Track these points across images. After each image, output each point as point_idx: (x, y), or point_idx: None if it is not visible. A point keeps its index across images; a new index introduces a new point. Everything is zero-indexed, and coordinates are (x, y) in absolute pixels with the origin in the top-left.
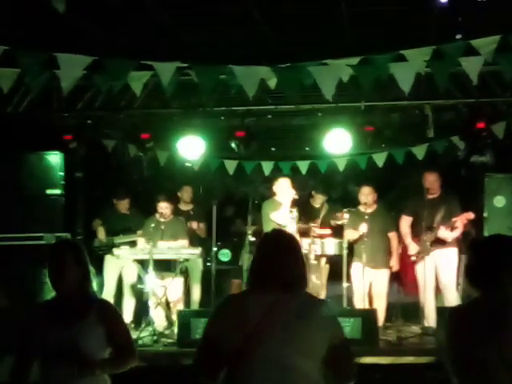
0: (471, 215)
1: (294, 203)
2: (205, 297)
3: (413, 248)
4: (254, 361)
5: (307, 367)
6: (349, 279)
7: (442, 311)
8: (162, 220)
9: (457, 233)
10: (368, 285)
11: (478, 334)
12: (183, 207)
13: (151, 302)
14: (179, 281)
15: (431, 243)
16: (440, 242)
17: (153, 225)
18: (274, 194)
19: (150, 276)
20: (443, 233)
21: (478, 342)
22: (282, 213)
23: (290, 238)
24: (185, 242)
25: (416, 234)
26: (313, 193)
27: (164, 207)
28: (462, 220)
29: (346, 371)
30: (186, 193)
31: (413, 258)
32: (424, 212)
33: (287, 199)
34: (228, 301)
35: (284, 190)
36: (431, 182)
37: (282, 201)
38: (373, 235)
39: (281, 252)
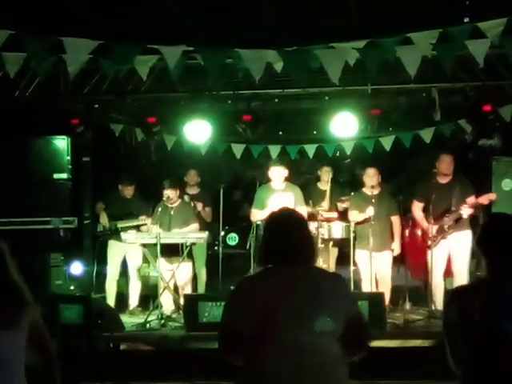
0: (493, 196)
1: (300, 186)
2: (212, 281)
3: (433, 230)
4: (270, 342)
5: (326, 344)
6: (355, 263)
7: None
8: (170, 206)
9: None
10: (374, 269)
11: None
12: (189, 191)
13: (159, 286)
14: (187, 265)
15: (448, 226)
16: (455, 225)
17: (160, 209)
18: (269, 179)
19: (157, 260)
20: (467, 211)
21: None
22: (274, 201)
23: (296, 214)
24: (196, 225)
25: (428, 217)
26: (319, 172)
27: (169, 193)
28: (484, 200)
29: (360, 343)
30: (190, 176)
31: (430, 242)
32: (436, 196)
33: (280, 187)
34: (241, 285)
35: (275, 178)
36: (448, 163)
37: (275, 187)
38: (379, 218)
39: (288, 229)
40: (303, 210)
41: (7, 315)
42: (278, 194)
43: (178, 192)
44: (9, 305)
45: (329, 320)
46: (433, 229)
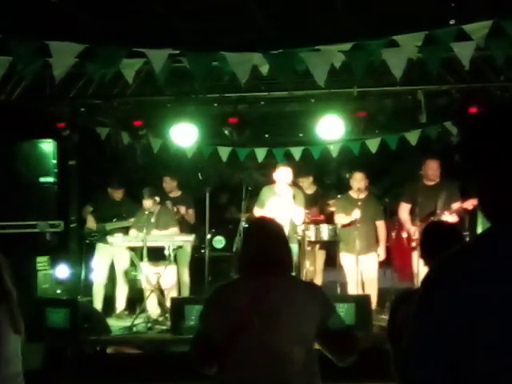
0: (470, 205)
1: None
2: (199, 284)
3: (415, 232)
4: (242, 349)
5: (296, 352)
6: (341, 266)
7: None
8: (151, 212)
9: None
10: (360, 272)
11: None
12: (171, 194)
13: (145, 290)
14: (173, 268)
15: None
16: None
17: (146, 213)
18: (273, 181)
19: (143, 263)
20: (447, 218)
21: None
22: (272, 203)
23: (273, 224)
24: (176, 229)
25: (414, 220)
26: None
27: (149, 204)
28: (468, 205)
29: (347, 349)
30: (166, 183)
31: (413, 244)
32: (422, 198)
33: (281, 190)
34: (217, 291)
35: (280, 179)
36: (434, 169)
37: (277, 189)
38: (365, 221)
39: (266, 237)
40: (300, 212)
41: None
42: (278, 196)
43: (158, 199)
44: None
45: (302, 329)
46: (415, 231)
